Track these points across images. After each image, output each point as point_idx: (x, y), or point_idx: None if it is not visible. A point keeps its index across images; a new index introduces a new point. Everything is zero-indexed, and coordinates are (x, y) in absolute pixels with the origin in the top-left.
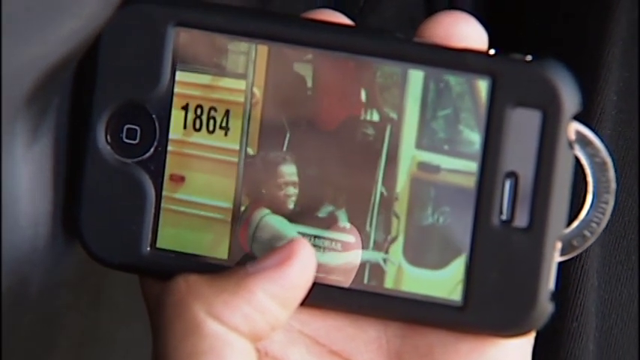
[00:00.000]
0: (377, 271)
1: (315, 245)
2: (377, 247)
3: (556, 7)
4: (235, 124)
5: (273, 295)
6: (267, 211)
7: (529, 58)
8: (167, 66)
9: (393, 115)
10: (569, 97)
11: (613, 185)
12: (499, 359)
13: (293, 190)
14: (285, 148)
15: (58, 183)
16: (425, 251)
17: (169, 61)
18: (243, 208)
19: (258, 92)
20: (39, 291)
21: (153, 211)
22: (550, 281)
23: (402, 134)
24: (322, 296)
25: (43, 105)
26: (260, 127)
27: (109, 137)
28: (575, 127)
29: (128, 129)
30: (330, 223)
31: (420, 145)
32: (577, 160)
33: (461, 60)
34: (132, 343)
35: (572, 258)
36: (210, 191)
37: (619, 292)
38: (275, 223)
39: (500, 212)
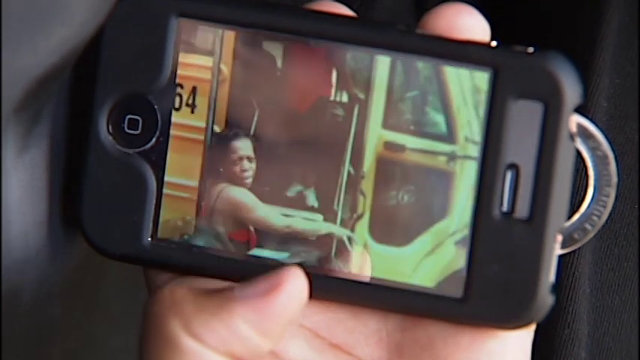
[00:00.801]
0: (343, 248)
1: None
2: (344, 224)
3: (547, 12)
4: (202, 102)
5: (254, 324)
6: (226, 184)
7: (531, 50)
8: (169, 56)
9: (362, 96)
10: (571, 89)
11: (614, 179)
12: (499, 352)
13: (250, 166)
14: (253, 127)
15: (49, 192)
16: (390, 228)
17: (171, 51)
18: (204, 186)
19: (225, 69)
20: (31, 300)
21: (154, 201)
22: (550, 273)
23: (369, 114)
24: (321, 287)
25: (33, 113)
26: (227, 105)
27: (110, 128)
28: (576, 120)
29: (130, 119)
30: (299, 201)
31: (386, 125)
32: (578, 154)
33: (463, 52)
34: (126, 351)
35: (564, 264)
36: (183, 172)
37: (611, 299)
38: (235, 194)
39: (501, 204)
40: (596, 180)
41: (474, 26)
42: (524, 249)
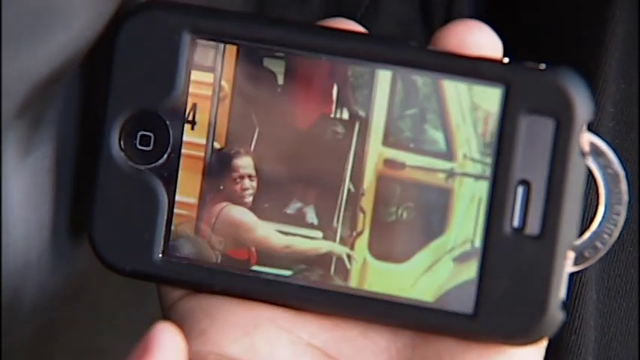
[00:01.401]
0: (342, 264)
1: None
2: (343, 241)
3: (552, 19)
4: (203, 119)
5: None
6: (226, 203)
7: (543, 66)
8: (181, 72)
9: (362, 114)
10: (583, 106)
11: (625, 197)
12: None
13: (251, 185)
14: (253, 144)
15: (51, 196)
16: (389, 245)
17: (183, 67)
18: (204, 204)
19: (226, 86)
20: (32, 305)
21: (165, 217)
22: (561, 290)
23: (369, 132)
24: (326, 302)
25: (34, 118)
26: (228, 122)
27: (122, 144)
28: (588, 138)
29: (142, 135)
30: (298, 218)
31: (386, 143)
32: (589, 172)
33: (475, 68)
34: None
35: None
36: (185, 189)
37: (618, 306)
38: (235, 213)
39: (512, 220)
40: (607, 198)
41: (485, 43)
42: (534, 265)
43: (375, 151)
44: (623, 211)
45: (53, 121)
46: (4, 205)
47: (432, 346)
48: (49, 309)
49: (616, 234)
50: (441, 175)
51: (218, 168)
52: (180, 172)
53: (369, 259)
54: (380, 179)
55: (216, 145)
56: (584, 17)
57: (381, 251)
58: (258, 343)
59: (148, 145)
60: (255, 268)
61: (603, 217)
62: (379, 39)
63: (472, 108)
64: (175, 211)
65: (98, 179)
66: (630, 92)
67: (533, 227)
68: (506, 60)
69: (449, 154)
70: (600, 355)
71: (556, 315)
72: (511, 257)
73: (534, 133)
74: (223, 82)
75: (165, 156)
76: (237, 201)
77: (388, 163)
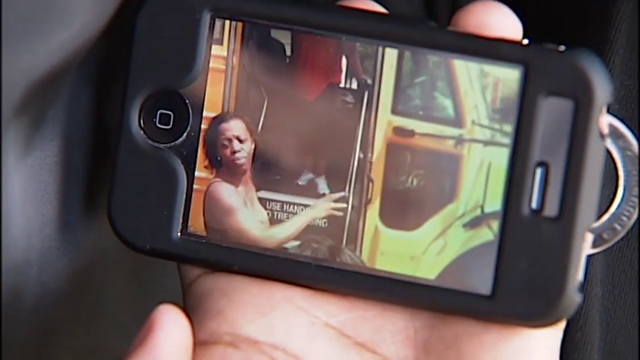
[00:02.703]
0: (353, 234)
1: (291, 212)
2: (355, 210)
3: (556, 15)
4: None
5: None
6: (218, 179)
7: (562, 48)
8: (201, 51)
9: (370, 82)
10: (602, 87)
11: None
12: (526, 349)
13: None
14: (262, 116)
15: (51, 194)
16: (400, 213)
17: (204, 46)
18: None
19: (235, 59)
20: (33, 303)
21: (184, 196)
22: (579, 272)
23: (378, 101)
24: (343, 281)
25: (34, 116)
26: (237, 93)
27: (142, 122)
28: (607, 120)
29: (161, 114)
30: (310, 189)
31: (395, 111)
32: (609, 153)
33: (494, 49)
34: None
35: None
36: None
37: (623, 301)
38: (222, 191)
39: (531, 201)
40: (626, 180)
41: (505, 24)
42: (552, 247)
43: (384, 120)
44: None
45: (55, 120)
46: (4, 203)
47: (450, 326)
48: (50, 308)
49: (635, 216)
50: (450, 142)
51: (224, 139)
52: (199, 150)
53: (381, 227)
54: (389, 147)
55: (213, 116)
56: (589, 13)
57: (392, 219)
58: (275, 323)
59: (168, 124)
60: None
61: (622, 199)
62: (399, 20)
63: (480, 74)
64: (195, 187)
65: (117, 157)
66: (634, 89)
67: (551, 209)
68: (525, 41)
69: (457, 121)
70: (605, 350)
71: (574, 297)
72: (529, 239)
73: (553, 115)
74: (233, 55)
75: (185, 135)
76: (245, 174)
77: (397, 130)
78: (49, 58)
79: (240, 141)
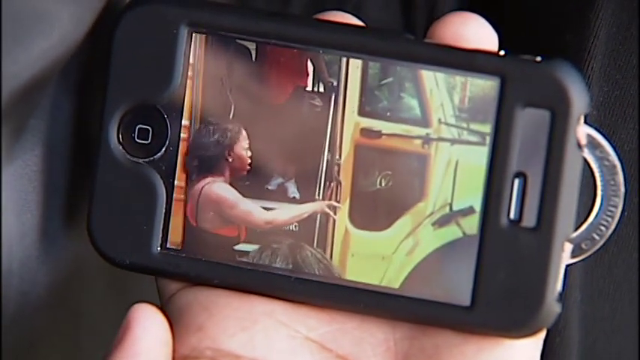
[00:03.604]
0: (323, 236)
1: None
2: (324, 213)
3: (535, 22)
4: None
5: None
6: (209, 179)
7: (539, 59)
8: (179, 66)
9: (337, 84)
10: (579, 98)
11: (622, 189)
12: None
13: (237, 162)
14: (230, 121)
15: (31, 204)
16: (369, 214)
17: (181, 61)
18: (191, 184)
19: (199, 64)
20: (15, 312)
21: (164, 211)
22: (558, 282)
23: (345, 103)
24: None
25: (15, 125)
26: (202, 100)
27: (121, 137)
28: (584, 130)
29: (140, 129)
30: (280, 194)
31: (362, 112)
32: (586, 163)
33: (471, 61)
34: None
35: None
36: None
37: (601, 306)
38: (217, 189)
39: (509, 212)
40: (603, 190)
41: (481, 35)
42: (531, 257)
43: (351, 121)
44: (620, 202)
45: (35, 129)
46: None
47: (430, 338)
48: (31, 317)
49: (613, 225)
50: (418, 142)
51: (199, 148)
52: (178, 164)
53: (351, 228)
54: (357, 149)
55: (190, 130)
56: (567, 20)
57: (362, 220)
58: (256, 337)
59: (147, 139)
60: (241, 247)
61: (600, 208)
62: (375, 32)
63: (446, 73)
64: (173, 202)
65: (97, 172)
66: (612, 95)
67: (529, 219)
68: (502, 52)
69: (424, 121)
70: (584, 355)
71: (553, 307)
72: (508, 249)
73: (530, 126)
74: (198, 62)
75: (164, 149)
76: (218, 178)
77: (365, 132)
78: (30, 67)
79: (217, 151)
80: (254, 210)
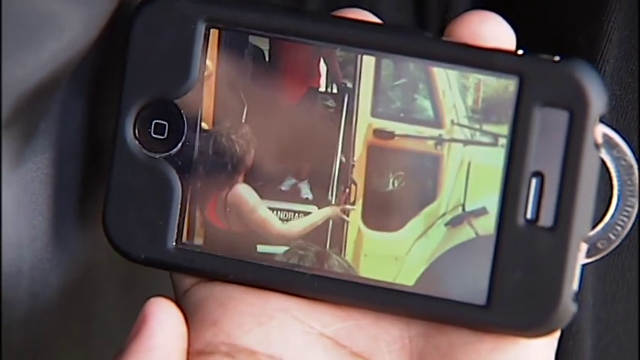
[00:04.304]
0: (337, 238)
1: (281, 219)
2: (337, 214)
3: (547, 24)
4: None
5: None
6: (226, 177)
7: (557, 58)
8: (196, 61)
9: (350, 86)
10: (597, 98)
11: (639, 189)
12: (522, 359)
13: (252, 160)
14: (244, 122)
15: (42, 206)
16: (382, 214)
17: (198, 56)
18: (201, 180)
19: (210, 65)
20: (25, 315)
21: (179, 206)
22: (574, 282)
23: (358, 103)
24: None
25: (25, 128)
26: (218, 96)
27: (137, 132)
28: (602, 130)
29: (156, 124)
30: (293, 195)
31: (374, 113)
32: (603, 163)
33: (489, 60)
34: None
35: None
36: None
37: (614, 310)
38: (240, 190)
39: (526, 211)
40: (620, 190)
41: (499, 34)
42: (547, 257)
43: (364, 122)
44: (636, 202)
45: (46, 133)
46: None
47: (444, 336)
48: (41, 320)
49: (629, 225)
50: (430, 142)
51: (215, 144)
52: (194, 160)
53: (364, 229)
54: (370, 150)
55: (205, 126)
56: (579, 23)
57: (375, 221)
58: (272, 333)
59: (163, 134)
60: (260, 249)
61: (616, 208)
62: (393, 29)
63: (459, 74)
64: (189, 197)
65: (112, 167)
66: (625, 99)
67: (546, 219)
68: (520, 52)
69: (437, 122)
70: (597, 359)
71: (569, 306)
72: (524, 249)
73: (548, 125)
74: (215, 58)
75: (180, 144)
76: (235, 180)
77: (377, 133)
78: (40, 70)
79: (232, 149)
80: (270, 219)
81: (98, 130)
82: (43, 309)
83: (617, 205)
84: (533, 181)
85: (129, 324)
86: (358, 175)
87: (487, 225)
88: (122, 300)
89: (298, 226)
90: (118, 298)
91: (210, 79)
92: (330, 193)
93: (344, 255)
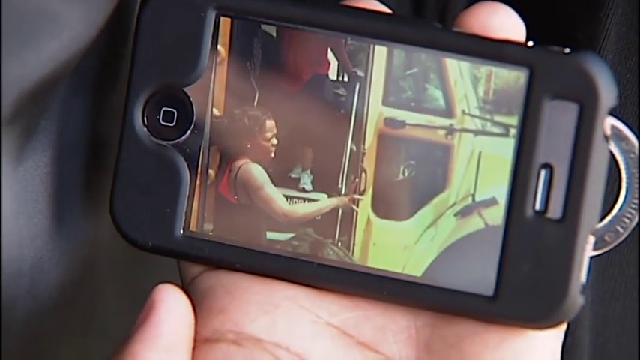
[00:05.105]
0: (346, 226)
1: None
2: (347, 202)
3: (545, 20)
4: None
5: (154, 351)
6: (236, 163)
7: (567, 50)
8: (206, 49)
9: (361, 74)
10: (607, 91)
11: None
12: (528, 351)
13: (260, 148)
14: (256, 108)
15: (42, 205)
16: (392, 203)
17: (208, 44)
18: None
19: (226, 45)
20: (25, 313)
21: (187, 194)
22: (582, 274)
23: (369, 92)
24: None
25: (26, 126)
26: (228, 84)
27: (145, 119)
28: (611, 122)
29: (165, 111)
30: (302, 183)
31: (386, 102)
32: (612, 156)
33: (499, 51)
34: None
35: None
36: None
37: (612, 307)
38: (255, 170)
39: (534, 203)
40: (628, 182)
41: (509, 25)
42: (555, 249)
43: (375, 111)
44: None
45: (46, 131)
46: None
47: (451, 326)
48: (42, 319)
49: (637, 218)
50: (441, 132)
51: (224, 132)
52: (202, 147)
53: (373, 217)
54: (381, 138)
55: (214, 114)
56: (577, 20)
57: (384, 210)
58: (278, 321)
59: (172, 122)
60: (269, 235)
61: (624, 201)
62: (403, 19)
63: (471, 65)
64: (197, 185)
65: (120, 154)
66: (623, 95)
67: (555, 211)
68: (530, 43)
69: (448, 112)
70: (595, 356)
71: (576, 299)
72: (532, 241)
73: (558, 117)
74: (224, 46)
75: (189, 132)
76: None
77: (388, 122)
78: (40, 68)
79: (242, 137)
80: (277, 198)
81: (99, 129)
82: (44, 308)
83: (625, 197)
84: (542, 173)
85: (129, 322)
86: (368, 163)
87: (497, 216)
88: (123, 299)
89: (304, 209)
90: (118, 297)
91: (221, 67)
92: (340, 181)
93: (353, 243)
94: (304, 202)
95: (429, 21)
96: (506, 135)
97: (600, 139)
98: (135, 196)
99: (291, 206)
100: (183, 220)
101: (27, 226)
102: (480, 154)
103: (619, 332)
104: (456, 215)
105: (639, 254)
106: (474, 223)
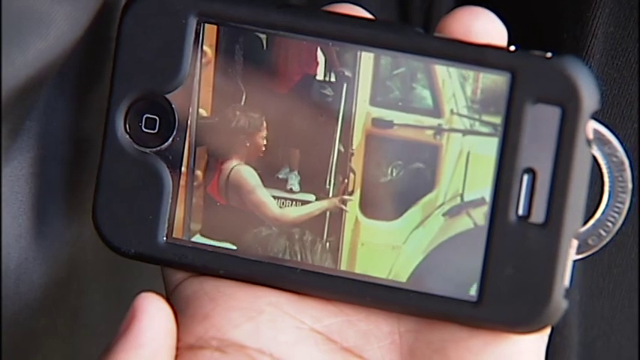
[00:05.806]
0: (335, 226)
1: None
2: (335, 203)
3: (532, 21)
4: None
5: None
6: (236, 162)
7: (549, 54)
8: (187, 56)
9: (349, 74)
10: (589, 95)
11: (630, 185)
12: (512, 355)
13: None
14: (242, 109)
15: (27, 205)
16: (380, 204)
17: (189, 51)
18: (191, 182)
19: (209, 51)
20: (12, 314)
21: (170, 200)
22: (565, 278)
23: (357, 92)
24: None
25: (11, 127)
26: (210, 90)
27: (128, 126)
28: (593, 126)
29: (147, 118)
30: (290, 183)
31: (373, 102)
32: (594, 159)
33: (481, 55)
34: None
35: None
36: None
37: (601, 306)
38: (246, 173)
39: (517, 208)
40: (611, 186)
41: (491, 30)
42: (539, 253)
43: (363, 111)
44: (627, 199)
45: (31, 131)
46: None
47: (435, 331)
48: (28, 319)
49: (620, 222)
50: (429, 132)
51: (206, 138)
52: (185, 154)
53: (361, 218)
54: (368, 139)
55: (203, 113)
56: (564, 20)
57: (373, 210)
58: (262, 328)
59: (154, 129)
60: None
61: (607, 204)
62: (385, 26)
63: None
64: (180, 192)
65: (103, 162)
66: (611, 95)
67: (538, 215)
68: (512, 48)
69: (436, 111)
70: (584, 355)
71: (560, 303)
72: (516, 245)
73: (540, 122)
74: (206, 52)
75: (171, 139)
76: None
77: (376, 122)
78: (26, 68)
79: (226, 142)
80: (268, 202)
81: (83, 129)
82: (29, 308)
83: (608, 201)
84: (525, 177)
85: (114, 322)
86: (356, 164)
87: (485, 216)
88: (108, 299)
89: (295, 212)
90: (103, 297)
91: (205, 72)
92: (327, 182)
93: (341, 244)
94: (292, 202)
95: (411, 26)
96: (494, 135)
97: (583, 143)
98: (118, 203)
99: (282, 210)
100: (166, 226)
101: (12, 227)
102: (468, 153)
103: (608, 331)
104: (444, 215)
105: (627, 254)
106: (463, 223)
